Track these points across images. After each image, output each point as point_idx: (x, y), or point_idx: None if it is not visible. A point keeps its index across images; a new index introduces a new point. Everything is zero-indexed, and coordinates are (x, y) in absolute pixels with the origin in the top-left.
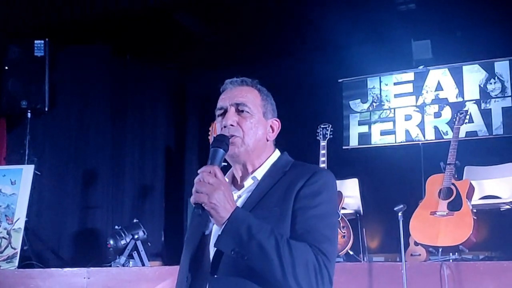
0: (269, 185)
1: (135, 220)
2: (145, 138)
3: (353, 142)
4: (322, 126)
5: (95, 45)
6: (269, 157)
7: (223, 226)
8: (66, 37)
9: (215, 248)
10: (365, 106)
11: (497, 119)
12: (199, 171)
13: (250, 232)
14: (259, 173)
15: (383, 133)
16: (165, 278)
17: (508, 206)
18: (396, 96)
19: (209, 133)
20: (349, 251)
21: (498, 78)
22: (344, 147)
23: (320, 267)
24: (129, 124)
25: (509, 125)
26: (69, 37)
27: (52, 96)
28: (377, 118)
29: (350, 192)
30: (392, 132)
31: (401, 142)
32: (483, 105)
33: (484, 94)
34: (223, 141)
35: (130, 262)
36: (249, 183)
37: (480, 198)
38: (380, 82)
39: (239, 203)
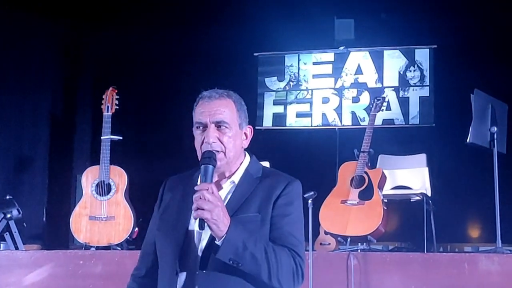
0: (248, 191)
1: (8, 197)
2: (24, 104)
3: (267, 122)
4: None
5: None
6: (242, 161)
7: (222, 239)
8: None
9: (202, 245)
10: (282, 84)
11: (414, 108)
12: (197, 188)
13: (244, 244)
14: (236, 177)
15: (299, 115)
16: (42, 264)
17: (418, 197)
18: (314, 76)
19: (103, 101)
20: None
21: (418, 66)
22: (256, 127)
23: (296, 267)
24: (6, 87)
25: (426, 115)
26: None
27: None
28: (294, 98)
29: None
30: (308, 115)
31: (317, 125)
32: (401, 93)
33: (403, 82)
34: (211, 157)
35: (1, 245)
36: (227, 186)
37: (392, 188)
38: (299, 60)
39: None
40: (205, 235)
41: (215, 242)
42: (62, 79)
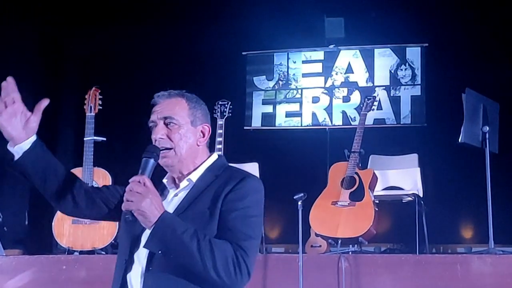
0: (202, 188)
1: None
2: None
3: (256, 122)
4: (220, 103)
5: None
6: (204, 161)
7: (151, 230)
8: None
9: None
10: (271, 84)
11: (405, 108)
12: (130, 180)
13: (174, 234)
14: (194, 176)
15: (288, 114)
16: (24, 269)
17: (410, 198)
18: (304, 75)
19: (85, 101)
20: None
21: (409, 64)
22: (245, 128)
23: (238, 261)
24: None
25: (417, 115)
26: None
27: None
28: (283, 98)
29: None
30: (298, 114)
31: (307, 125)
32: (392, 92)
33: (394, 81)
34: (153, 151)
35: None
36: (184, 184)
37: (383, 189)
38: (288, 59)
39: (175, 202)
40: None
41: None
42: (43, 80)
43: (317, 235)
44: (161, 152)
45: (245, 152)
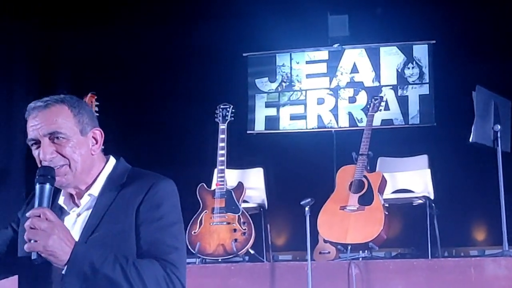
0: (108, 202)
1: None
2: None
3: (259, 126)
4: (221, 107)
5: None
6: (102, 170)
7: (65, 268)
8: None
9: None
10: (274, 86)
11: (413, 107)
12: (27, 215)
13: (93, 267)
14: (95, 190)
15: (293, 117)
16: None
17: (420, 201)
18: (308, 76)
19: None
20: (250, 250)
21: (416, 63)
22: (248, 132)
23: (170, 278)
24: None
25: (426, 114)
26: None
27: None
28: (287, 100)
29: (254, 183)
30: (303, 117)
31: (313, 128)
32: (400, 92)
33: (402, 80)
34: (47, 174)
35: None
36: (85, 200)
37: (393, 192)
38: (291, 59)
39: (79, 224)
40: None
41: (62, 273)
42: (37, 85)
43: (325, 241)
44: (55, 169)
45: (248, 158)
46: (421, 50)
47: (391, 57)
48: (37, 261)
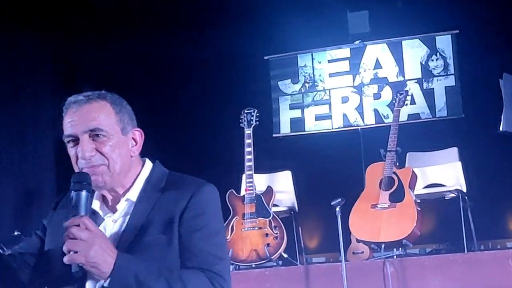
0: (148, 209)
1: (16, 233)
2: (25, 131)
3: (284, 129)
4: (246, 111)
5: None
6: (139, 173)
7: (108, 281)
8: None
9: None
10: (297, 87)
11: (440, 100)
12: (66, 225)
13: (138, 280)
14: (133, 194)
15: (318, 118)
16: None
17: (453, 194)
18: (331, 75)
19: None
20: (283, 253)
21: (440, 54)
22: (274, 135)
23: None
24: (2, 112)
25: (453, 106)
26: None
27: None
28: (311, 101)
29: (282, 186)
30: (328, 117)
31: (339, 127)
32: (425, 85)
33: (426, 72)
34: (83, 181)
35: None
36: (122, 206)
37: (424, 187)
38: (313, 59)
39: (116, 231)
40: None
41: (104, 285)
42: (60, 97)
43: (358, 241)
44: (92, 167)
45: (276, 161)
46: (444, 41)
47: (414, 50)
48: (79, 274)
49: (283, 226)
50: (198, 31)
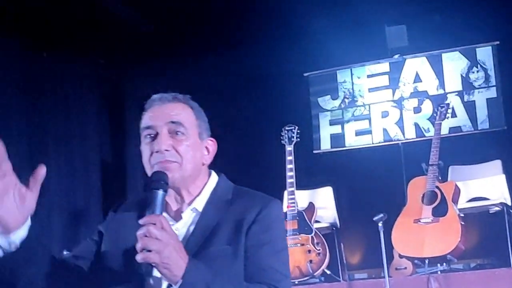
0: (214, 219)
1: (65, 252)
2: (73, 152)
3: (325, 145)
4: (287, 128)
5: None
6: (206, 183)
7: (178, 285)
8: None
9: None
10: (336, 103)
11: (482, 112)
12: (142, 222)
13: (208, 287)
14: (199, 204)
15: (358, 133)
16: None
17: (497, 208)
18: (370, 90)
19: None
20: (325, 270)
21: (481, 66)
22: (314, 151)
23: None
24: (51, 137)
25: (495, 118)
26: None
27: None
28: (351, 116)
29: (324, 202)
30: (368, 132)
31: (379, 142)
32: (466, 97)
33: (467, 85)
34: (160, 180)
35: None
36: (188, 215)
37: (468, 201)
38: (352, 75)
39: (181, 237)
40: (164, 281)
41: None
42: (108, 123)
43: (401, 256)
44: (165, 162)
45: (317, 177)
46: (484, 53)
47: (454, 62)
48: (150, 274)
49: (325, 242)
50: (239, 50)
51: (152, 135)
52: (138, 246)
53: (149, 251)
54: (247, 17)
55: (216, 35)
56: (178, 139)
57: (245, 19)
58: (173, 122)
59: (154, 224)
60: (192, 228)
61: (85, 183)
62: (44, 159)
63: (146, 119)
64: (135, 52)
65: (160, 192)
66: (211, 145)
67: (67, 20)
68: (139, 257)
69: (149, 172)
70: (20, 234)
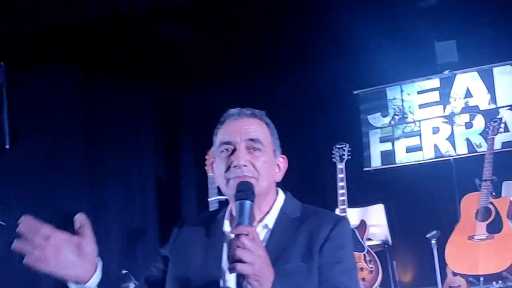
0: (287, 237)
1: (123, 271)
2: (130, 172)
3: (375, 162)
4: (338, 146)
5: (59, 65)
6: (275, 200)
7: None
8: (25, 59)
9: None
10: (386, 120)
11: None
12: (235, 232)
13: None
14: (269, 221)
15: (408, 150)
16: None
17: None
18: (420, 106)
19: (206, 162)
20: None
21: None
22: (365, 169)
23: None
24: (109, 157)
25: None
26: (28, 59)
27: (13, 130)
28: (401, 133)
29: (376, 220)
30: (419, 148)
31: (430, 158)
32: None
33: None
34: (248, 190)
35: None
36: (259, 231)
37: None
38: (402, 91)
39: None
40: None
41: None
42: (161, 141)
43: (454, 274)
44: (243, 177)
45: (368, 195)
46: None
47: (505, 76)
48: (240, 286)
49: (377, 260)
50: (289, 70)
51: (230, 150)
52: (231, 257)
53: (242, 262)
54: (297, 36)
55: (268, 56)
56: (255, 155)
57: (295, 40)
58: (251, 140)
59: (247, 235)
60: (264, 244)
61: (141, 203)
62: (102, 179)
63: (224, 134)
64: (190, 73)
65: (247, 203)
66: (282, 162)
67: (125, 47)
68: (237, 267)
69: (223, 186)
70: (93, 280)
